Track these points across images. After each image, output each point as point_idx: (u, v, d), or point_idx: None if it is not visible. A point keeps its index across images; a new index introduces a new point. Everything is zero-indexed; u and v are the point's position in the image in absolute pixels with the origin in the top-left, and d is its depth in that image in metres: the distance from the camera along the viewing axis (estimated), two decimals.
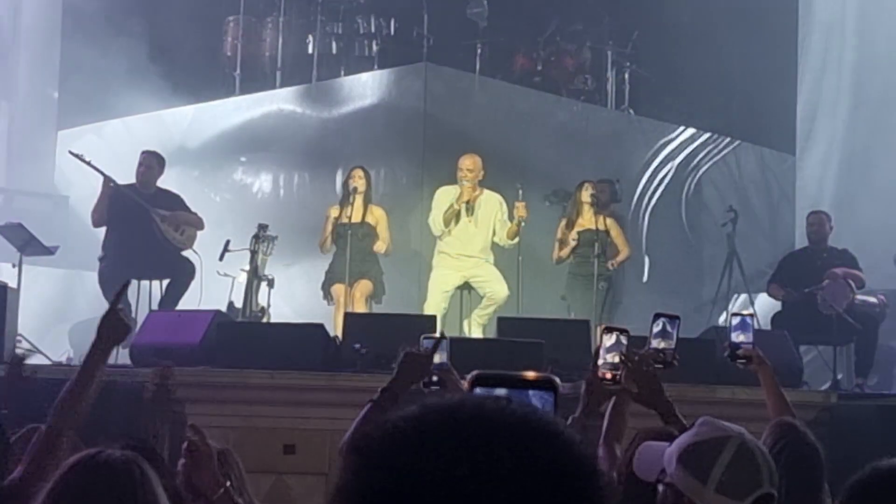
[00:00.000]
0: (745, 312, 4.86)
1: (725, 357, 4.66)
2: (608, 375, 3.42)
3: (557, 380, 1.23)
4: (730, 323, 4.68)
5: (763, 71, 12.55)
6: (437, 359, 4.19)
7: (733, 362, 4.59)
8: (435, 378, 4.20)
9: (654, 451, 2.79)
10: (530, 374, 1.22)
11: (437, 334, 4.47)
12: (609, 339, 3.45)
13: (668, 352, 3.76)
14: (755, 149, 12.88)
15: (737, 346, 4.57)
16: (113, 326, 3.78)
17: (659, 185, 12.47)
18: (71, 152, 9.43)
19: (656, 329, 3.84)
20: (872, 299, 9.41)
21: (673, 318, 3.87)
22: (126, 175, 9.31)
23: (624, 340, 3.44)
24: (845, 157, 12.06)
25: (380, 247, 9.56)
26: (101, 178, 9.10)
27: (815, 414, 7.05)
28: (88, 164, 9.18)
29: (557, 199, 10.09)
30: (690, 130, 12.72)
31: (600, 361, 3.43)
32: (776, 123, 12.79)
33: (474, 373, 1.23)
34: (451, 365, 4.26)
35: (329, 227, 9.59)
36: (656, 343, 3.77)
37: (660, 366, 3.72)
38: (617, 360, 3.44)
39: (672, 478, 2.62)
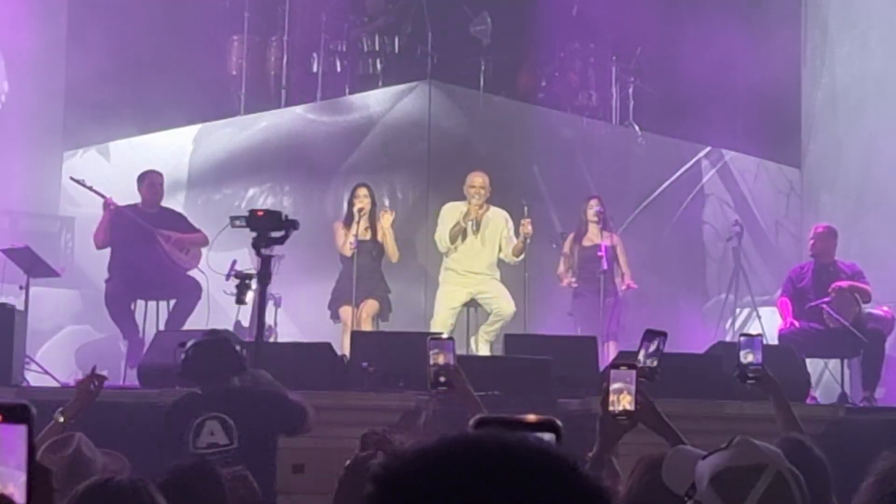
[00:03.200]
0: (753, 333, 4.88)
1: (735, 377, 4.66)
2: (620, 411, 3.37)
3: (558, 421, 1.24)
4: (739, 343, 4.68)
5: (767, 84, 12.55)
6: (442, 360, 4.17)
7: (743, 383, 4.60)
8: (443, 379, 4.16)
9: (686, 460, 2.71)
10: (531, 417, 1.24)
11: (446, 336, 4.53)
12: (617, 376, 3.41)
13: (653, 368, 3.82)
14: (760, 162, 12.88)
15: (746, 366, 4.58)
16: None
17: (663, 198, 12.45)
18: (72, 178, 9.48)
19: (646, 345, 3.91)
20: (879, 312, 9.41)
21: (660, 335, 3.94)
22: (131, 196, 9.33)
23: (633, 375, 3.40)
24: (851, 169, 12.03)
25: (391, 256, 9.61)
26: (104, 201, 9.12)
27: (823, 428, 7.04)
28: (90, 188, 9.22)
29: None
30: (694, 144, 12.72)
31: (611, 401, 3.38)
32: (781, 137, 12.78)
33: (476, 417, 1.25)
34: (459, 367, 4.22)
35: (341, 235, 9.53)
36: (643, 357, 3.83)
37: (642, 379, 3.72)
38: (627, 396, 3.39)
39: (701, 497, 2.57)
